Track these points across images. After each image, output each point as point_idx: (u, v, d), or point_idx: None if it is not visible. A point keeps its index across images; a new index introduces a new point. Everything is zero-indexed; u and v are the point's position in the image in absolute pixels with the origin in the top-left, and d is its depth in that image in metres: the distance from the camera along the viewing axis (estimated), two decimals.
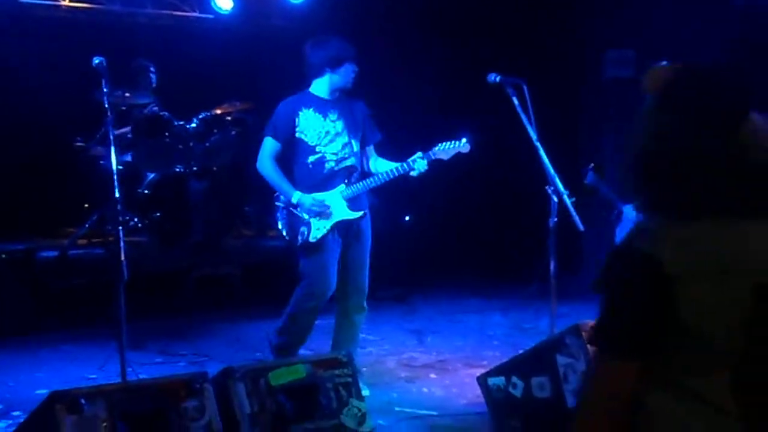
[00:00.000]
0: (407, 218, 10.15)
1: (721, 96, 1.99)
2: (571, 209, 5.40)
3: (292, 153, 5.60)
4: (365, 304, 5.75)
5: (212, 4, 10.09)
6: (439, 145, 5.49)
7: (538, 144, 5.48)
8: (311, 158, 5.53)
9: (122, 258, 4.73)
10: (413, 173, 5.47)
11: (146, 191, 8.74)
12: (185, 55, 9.72)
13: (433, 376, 5.98)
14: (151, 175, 8.85)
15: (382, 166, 5.66)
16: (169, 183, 8.90)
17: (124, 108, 8.82)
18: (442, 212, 10.10)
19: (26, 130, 9.19)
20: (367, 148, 5.76)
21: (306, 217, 5.47)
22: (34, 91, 9.16)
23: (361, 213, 5.60)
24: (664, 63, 2.14)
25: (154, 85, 9.09)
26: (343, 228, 5.56)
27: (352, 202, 5.55)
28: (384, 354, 6.60)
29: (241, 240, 9.57)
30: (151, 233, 8.72)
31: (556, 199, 5.46)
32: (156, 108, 8.89)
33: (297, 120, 5.53)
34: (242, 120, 9.54)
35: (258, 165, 5.60)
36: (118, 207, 4.89)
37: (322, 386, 4.16)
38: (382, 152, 5.85)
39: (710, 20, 8.85)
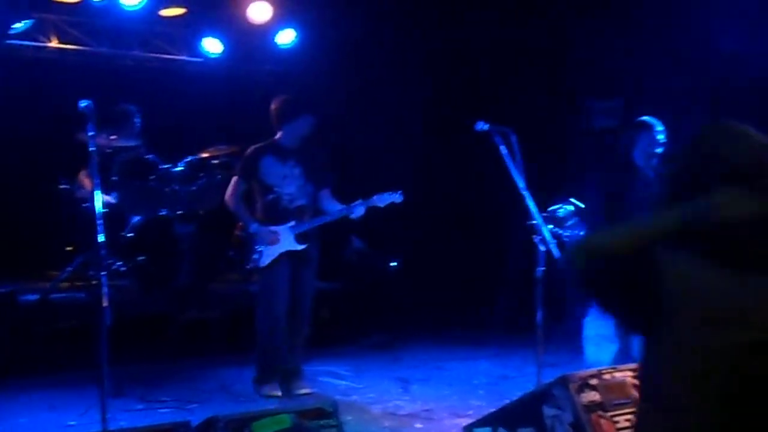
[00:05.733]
0: (394, 264, 10.11)
1: None
2: (559, 258, 5.38)
3: (255, 191, 6.67)
4: (306, 330, 6.72)
5: (201, 47, 10.13)
6: (377, 195, 6.54)
7: (525, 193, 5.49)
8: (270, 197, 6.59)
9: (105, 303, 4.64)
10: (353, 216, 6.56)
11: (130, 234, 8.67)
12: (173, 97, 9.71)
13: (418, 425, 5.88)
14: (136, 219, 8.78)
15: (332, 207, 6.68)
16: (153, 227, 8.82)
17: (109, 151, 8.75)
18: (429, 259, 10.06)
19: (10, 171, 9.14)
20: (323, 190, 6.74)
21: (260, 244, 6.49)
22: (19, 132, 9.12)
23: (305, 246, 6.55)
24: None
25: (138, 129, 9.02)
26: (291, 257, 6.53)
27: (300, 236, 6.55)
28: (369, 402, 6.49)
29: (227, 285, 9.49)
30: (134, 277, 8.62)
31: (543, 249, 5.45)
32: (143, 151, 8.85)
33: (259, 165, 6.59)
34: (229, 164, 9.46)
35: (226, 199, 6.70)
36: (102, 252, 4.82)
37: None
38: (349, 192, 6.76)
39: (696, 67, 8.92)
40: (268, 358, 6.60)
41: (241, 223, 6.76)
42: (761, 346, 1.91)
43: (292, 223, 6.55)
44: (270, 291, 6.54)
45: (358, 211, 6.52)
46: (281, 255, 6.50)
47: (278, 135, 6.67)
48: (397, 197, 6.54)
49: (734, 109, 8.58)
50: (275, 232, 6.50)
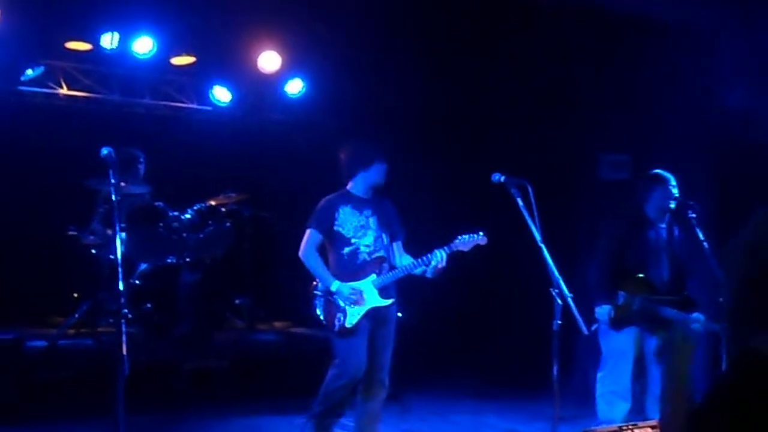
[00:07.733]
0: (399, 315, 10.04)
1: None
2: (576, 312, 5.35)
3: (330, 244, 6.18)
4: (387, 381, 6.18)
5: (210, 96, 10.19)
6: (459, 237, 6.02)
7: (542, 245, 5.46)
8: (347, 249, 6.12)
9: (124, 352, 4.60)
10: (440, 264, 5.96)
11: (137, 282, 8.64)
12: (182, 145, 9.74)
13: None
14: (143, 266, 8.76)
15: (406, 260, 6.21)
16: (160, 274, 8.80)
17: (119, 197, 8.73)
18: (439, 311, 10.01)
19: (18, 217, 9.11)
20: (394, 243, 6.31)
21: (342, 304, 5.96)
22: (28, 178, 9.14)
23: (391, 300, 6.13)
24: None
25: (142, 174, 9.02)
26: (374, 314, 6.04)
27: (383, 291, 6.08)
28: None
29: (232, 333, 9.45)
30: (140, 324, 8.57)
31: (560, 302, 5.42)
32: (151, 198, 8.86)
33: (337, 215, 6.14)
34: (237, 212, 9.53)
35: (301, 254, 6.15)
36: (123, 299, 4.78)
37: None
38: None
39: (703, 123, 8.97)
40: (330, 410, 6.13)
41: (316, 281, 6.14)
42: None
43: (373, 276, 6.07)
44: (352, 351, 6.01)
45: (444, 258, 5.99)
46: (366, 313, 6.02)
47: (349, 185, 6.27)
48: (481, 239, 6.07)
49: (738, 164, 8.68)
50: (358, 291, 6.01)
